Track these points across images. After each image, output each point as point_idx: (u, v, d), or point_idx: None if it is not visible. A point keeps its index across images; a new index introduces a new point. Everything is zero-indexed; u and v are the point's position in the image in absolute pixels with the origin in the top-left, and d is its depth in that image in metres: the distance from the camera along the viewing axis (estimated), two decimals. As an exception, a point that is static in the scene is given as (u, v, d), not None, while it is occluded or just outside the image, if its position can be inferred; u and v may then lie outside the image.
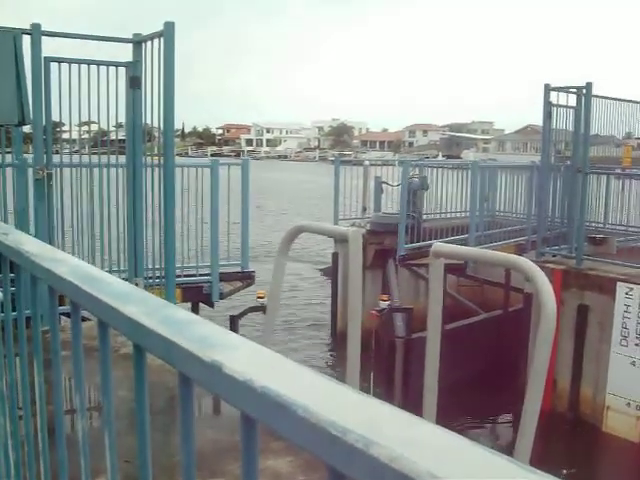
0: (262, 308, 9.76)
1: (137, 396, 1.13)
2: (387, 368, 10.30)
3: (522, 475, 0.55)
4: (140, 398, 1.13)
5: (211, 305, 8.73)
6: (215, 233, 8.55)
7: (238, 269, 9.26)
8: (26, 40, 5.98)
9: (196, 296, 8.55)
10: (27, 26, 6.03)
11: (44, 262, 1.44)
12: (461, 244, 11.44)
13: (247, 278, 9.23)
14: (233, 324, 9.80)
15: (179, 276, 7.44)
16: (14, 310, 1.93)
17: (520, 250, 12.11)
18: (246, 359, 0.79)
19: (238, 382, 0.74)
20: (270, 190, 48.44)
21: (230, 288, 8.93)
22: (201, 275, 8.70)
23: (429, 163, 16.96)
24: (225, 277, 8.99)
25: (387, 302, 10.61)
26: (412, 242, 12.71)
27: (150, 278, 7.06)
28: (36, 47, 6.08)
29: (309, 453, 0.65)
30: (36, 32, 6.07)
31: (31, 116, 5.71)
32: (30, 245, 1.62)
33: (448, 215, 14.39)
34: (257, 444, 0.81)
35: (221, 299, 8.76)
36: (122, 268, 7.40)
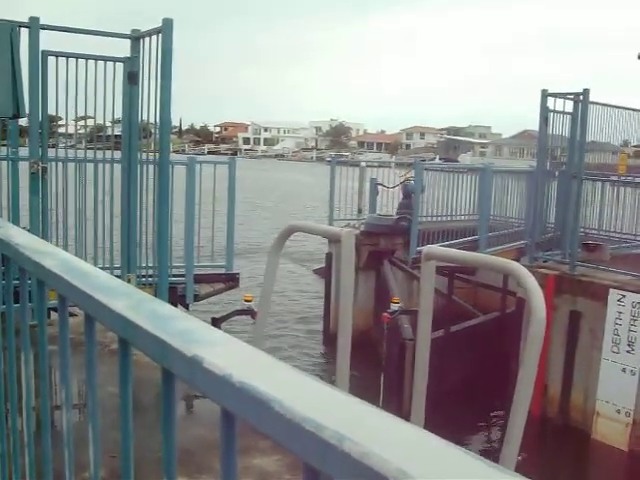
0: (249, 312, 9.60)
1: (121, 389, 1.14)
2: (397, 370, 10.33)
3: (493, 475, 0.56)
4: (125, 391, 1.14)
5: (186, 307, 8.16)
6: (190, 232, 8.23)
7: (222, 270, 8.85)
8: (24, 33, 5.98)
9: (170, 297, 7.72)
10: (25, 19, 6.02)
11: (33, 255, 1.45)
12: (466, 248, 11.56)
13: (231, 280, 8.85)
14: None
15: (151, 276, 7.10)
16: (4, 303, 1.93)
17: (520, 254, 12.17)
18: (227, 354, 0.80)
19: (217, 377, 0.74)
20: (266, 189, 48.50)
21: (209, 290, 8.56)
22: (175, 276, 8.10)
23: (436, 165, 17.10)
24: (207, 278, 8.63)
25: (398, 304, 10.65)
26: (408, 244, 12.79)
27: (143, 277, 7.03)
28: (34, 40, 6.07)
29: (287, 449, 0.66)
30: (34, 25, 6.05)
31: (26, 109, 5.70)
32: (20, 238, 1.62)
33: (444, 218, 14.43)
34: (235, 439, 0.81)
35: (196, 301, 8.35)
36: (115, 265, 7.33)
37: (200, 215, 8.67)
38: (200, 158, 9.20)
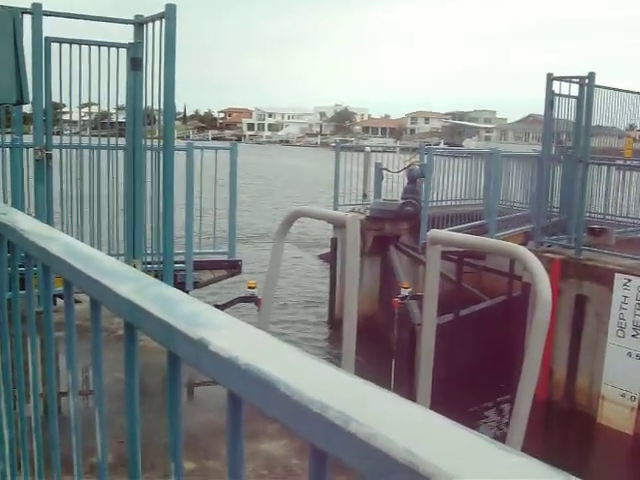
0: (252, 298, 9.54)
1: (127, 374, 1.14)
2: (408, 355, 10.35)
3: (501, 455, 0.56)
4: (131, 376, 1.14)
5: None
6: (190, 218, 8.07)
7: (225, 257, 8.73)
8: (27, 20, 5.97)
9: (169, 284, 7.79)
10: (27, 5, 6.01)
11: (38, 240, 1.44)
12: (474, 232, 11.61)
13: (233, 267, 8.72)
14: None
15: (155, 263, 7.02)
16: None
17: (528, 238, 12.16)
18: (233, 337, 0.80)
19: (223, 359, 0.74)
20: (271, 175, 48.49)
21: (210, 277, 8.45)
22: (176, 262, 7.67)
23: (445, 150, 17.22)
24: (208, 265, 8.52)
25: (408, 289, 10.63)
26: (413, 229, 12.84)
27: (149, 263, 7.01)
28: (37, 27, 6.06)
29: (293, 431, 0.66)
30: (37, 12, 6.04)
31: (30, 96, 5.69)
32: (25, 223, 1.62)
33: (451, 203, 14.47)
34: (242, 422, 0.81)
35: (197, 288, 8.16)
36: (121, 251, 7.32)
37: (201, 201, 8.65)
38: (201, 144, 9.10)
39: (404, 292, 10.62)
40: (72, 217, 7.23)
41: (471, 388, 10.45)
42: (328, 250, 16.13)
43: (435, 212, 13.02)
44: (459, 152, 19.66)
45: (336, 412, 0.60)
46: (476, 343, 11.24)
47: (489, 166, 13.72)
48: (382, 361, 11.15)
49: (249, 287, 9.69)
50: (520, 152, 17.62)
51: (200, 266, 8.32)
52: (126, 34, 6.65)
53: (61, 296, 1.47)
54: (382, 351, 11.69)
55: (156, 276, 6.54)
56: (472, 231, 12.52)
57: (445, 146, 49.88)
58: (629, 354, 9.21)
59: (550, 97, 10.82)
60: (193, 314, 0.88)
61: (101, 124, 7.62)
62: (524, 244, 11.22)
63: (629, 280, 9.20)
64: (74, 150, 7.18)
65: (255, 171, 46.79)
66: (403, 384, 9.79)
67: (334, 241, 14.12)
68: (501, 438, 8.38)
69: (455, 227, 12.63)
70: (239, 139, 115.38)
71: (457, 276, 12.19)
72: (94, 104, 7.23)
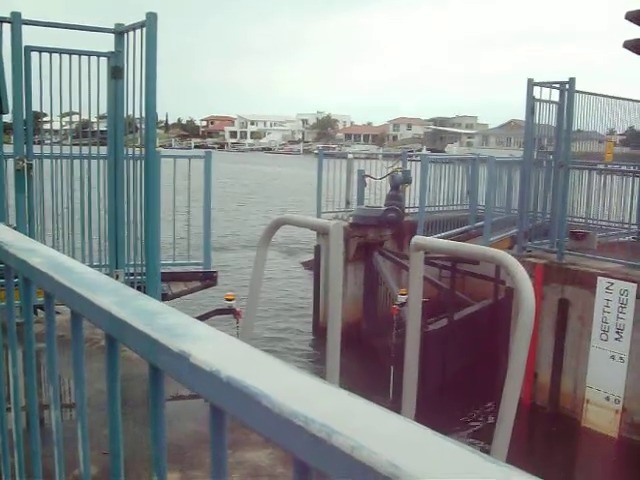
0: (230, 310, 9.43)
1: (109, 386, 1.13)
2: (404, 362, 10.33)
3: (483, 466, 0.55)
4: (112, 388, 1.13)
5: None
6: (158, 227, 7.93)
7: (200, 268, 8.60)
8: (6, 29, 5.94)
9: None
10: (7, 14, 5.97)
11: (18, 252, 1.43)
12: (463, 237, 11.66)
13: (208, 278, 8.55)
14: None
15: (139, 274, 6.84)
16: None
17: (515, 242, 12.24)
18: (214, 349, 0.79)
19: (205, 372, 0.74)
20: (256, 183, 48.44)
21: (183, 289, 8.19)
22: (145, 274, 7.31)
23: (439, 158, 17.47)
24: (181, 277, 8.35)
25: (405, 296, 10.57)
26: (397, 236, 12.91)
27: (132, 275, 6.92)
28: (16, 36, 6.02)
29: (276, 444, 0.65)
30: (16, 20, 6.00)
31: (10, 105, 5.65)
32: (5, 235, 1.61)
33: (437, 209, 14.68)
34: (225, 434, 0.80)
35: (165, 300, 7.67)
36: (103, 262, 7.24)
37: (174, 211, 8.57)
38: (173, 152, 9.01)
39: (401, 298, 10.53)
40: (54, 228, 7.16)
41: (462, 393, 10.47)
42: (311, 257, 16.12)
43: (411, 219, 13.22)
44: (451, 159, 19.83)
45: (319, 425, 0.59)
46: (466, 348, 11.28)
47: (473, 172, 13.85)
48: (368, 368, 11.15)
49: (227, 299, 9.55)
50: (503, 157, 17.74)
51: (173, 277, 8.17)
52: (107, 43, 6.62)
53: (42, 307, 1.46)
54: (366, 359, 11.69)
55: (139, 287, 6.47)
56: (461, 237, 12.63)
57: (428, 152, 50.14)
58: (612, 357, 9.26)
59: (531, 103, 10.88)
60: (174, 326, 0.87)
61: (82, 133, 7.58)
62: (511, 248, 11.30)
63: (611, 283, 9.26)
64: (56, 160, 7.12)
65: (239, 179, 46.76)
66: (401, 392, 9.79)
67: (317, 248, 14.12)
68: (486, 442, 8.40)
69: (445, 233, 12.81)
70: (222, 147, 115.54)
71: (445, 281, 12.25)
72: (75, 113, 7.19)
